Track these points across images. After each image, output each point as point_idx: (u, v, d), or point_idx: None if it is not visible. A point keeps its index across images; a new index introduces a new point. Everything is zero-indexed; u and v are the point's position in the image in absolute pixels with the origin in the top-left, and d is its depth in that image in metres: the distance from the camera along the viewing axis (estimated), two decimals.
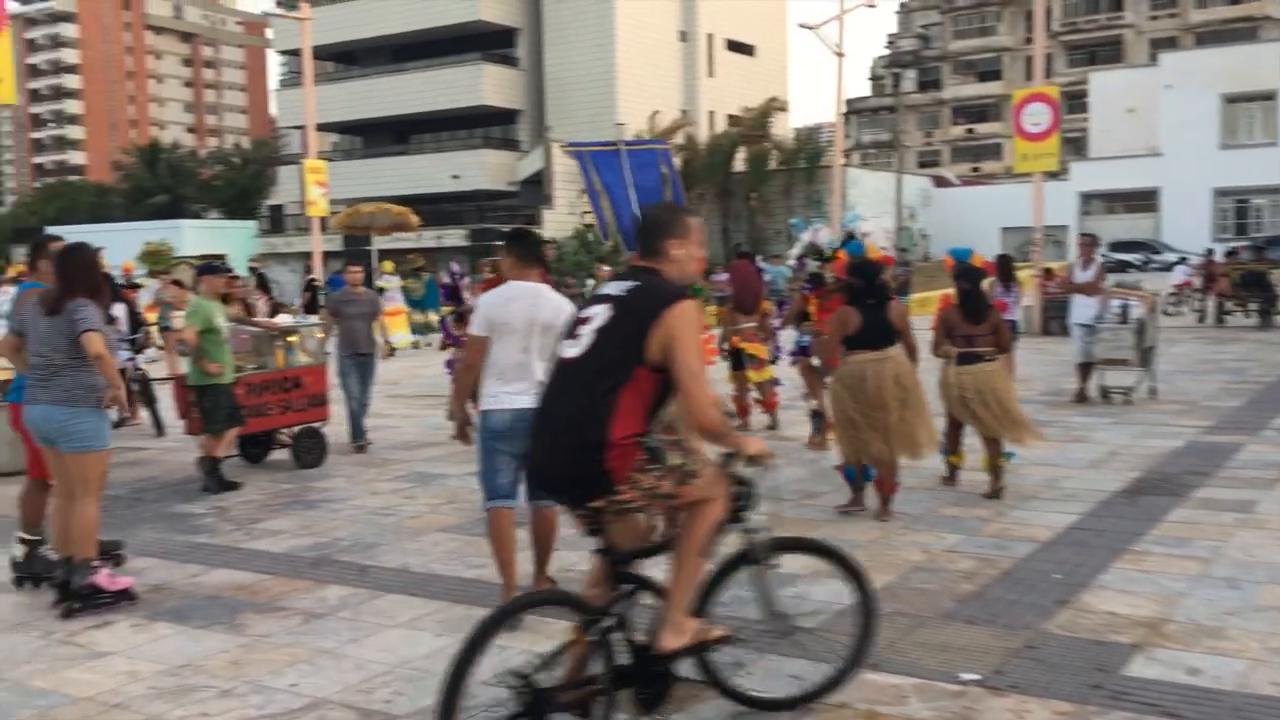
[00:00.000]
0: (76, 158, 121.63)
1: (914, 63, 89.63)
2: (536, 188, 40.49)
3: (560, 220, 37.06)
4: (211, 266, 9.24)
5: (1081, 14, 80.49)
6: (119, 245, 27.73)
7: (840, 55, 32.36)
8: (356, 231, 30.89)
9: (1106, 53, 79.43)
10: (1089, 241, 12.88)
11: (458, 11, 44.25)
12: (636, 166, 23.26)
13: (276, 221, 47.40)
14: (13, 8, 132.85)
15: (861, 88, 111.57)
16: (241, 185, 53.44)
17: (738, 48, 49.85)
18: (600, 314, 3.63)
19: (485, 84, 44.18)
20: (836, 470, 7.84)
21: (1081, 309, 12.32)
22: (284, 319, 10.49)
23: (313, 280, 26.53)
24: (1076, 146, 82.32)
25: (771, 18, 51.79)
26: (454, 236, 35.24)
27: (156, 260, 24.95)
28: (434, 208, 42.99)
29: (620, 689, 3.71)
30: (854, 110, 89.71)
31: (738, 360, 11.04)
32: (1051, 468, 8.73)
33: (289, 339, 10.02)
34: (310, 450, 9.80)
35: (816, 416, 9.78)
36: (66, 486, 5.84)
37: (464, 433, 5.77)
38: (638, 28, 44.50)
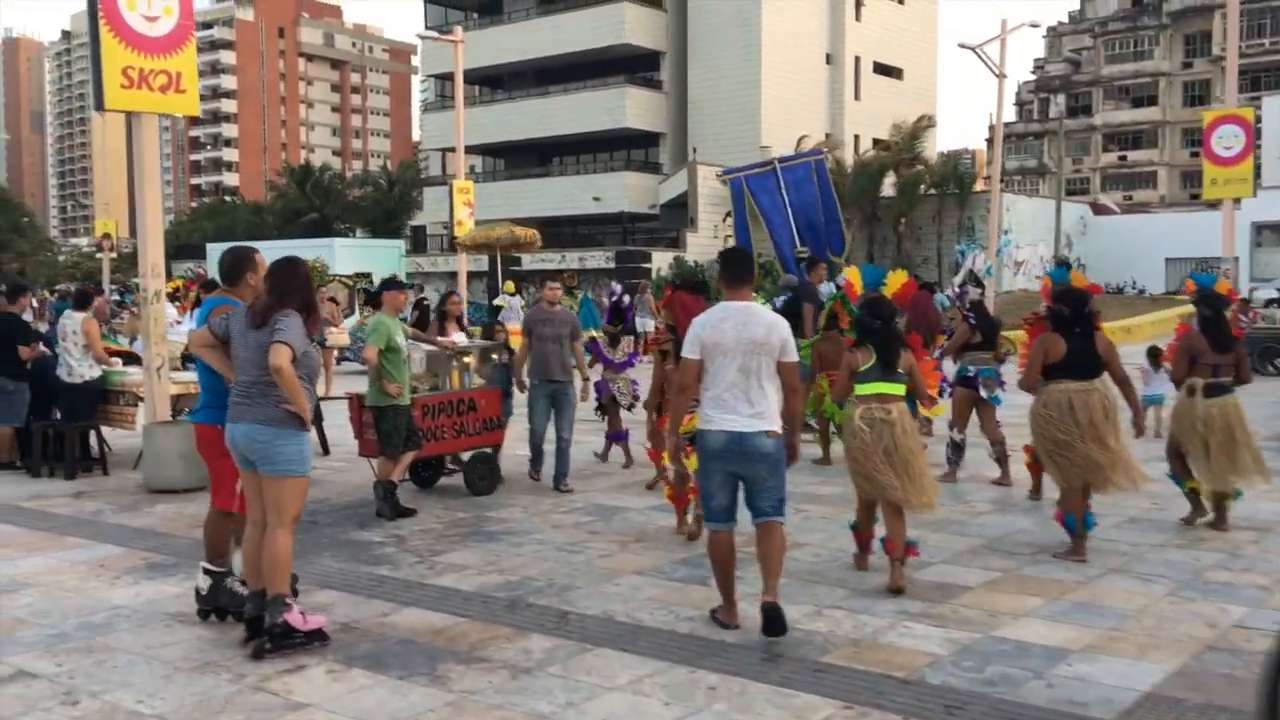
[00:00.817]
0: (230, 179, 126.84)
1: (1063, 87, 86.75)
2: (679, 211, 40.07)
3: (703, 244, 36.53)
4: (394, 281, 8.88)
5: (1248, 38, 76.61)
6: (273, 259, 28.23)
7: (1002, 77, 31.17)
8: (480, 251, 30.96)
9: (1273, 78, 75.42)
10: None
11: (603, 35, 44.32)
12: (792, 184, 22.32)
13: (419, 242, 48.15)
14: None
15: (1006, 113, 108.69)
16: (387, 206, 54.54)
17: (885, 70, 48.71)
18: None
19: (629, 106, 44.08)
20: (1055, 520, 7.23)
21: None
22: (458, 338, 10.06)
23: (423, 299, 26.54)
24: None
25: (920, 40, 50.50)
26: (597, 258, 35.02)
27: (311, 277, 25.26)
28: (574, 229, 43.05)
29: None
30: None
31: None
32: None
33: (465, 359, 9.60)
34: (484, 477, 9.35)
35: (956, 449, 9.66)
36: (261, 513, 5.42)
37: (677, 456, 5.87)
38: (783, 50, 43.81)
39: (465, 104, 51.33)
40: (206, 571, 5.87)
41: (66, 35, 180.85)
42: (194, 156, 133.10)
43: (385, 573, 6.84)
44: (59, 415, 11.01)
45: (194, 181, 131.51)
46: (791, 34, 44.04)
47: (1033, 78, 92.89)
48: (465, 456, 9.49)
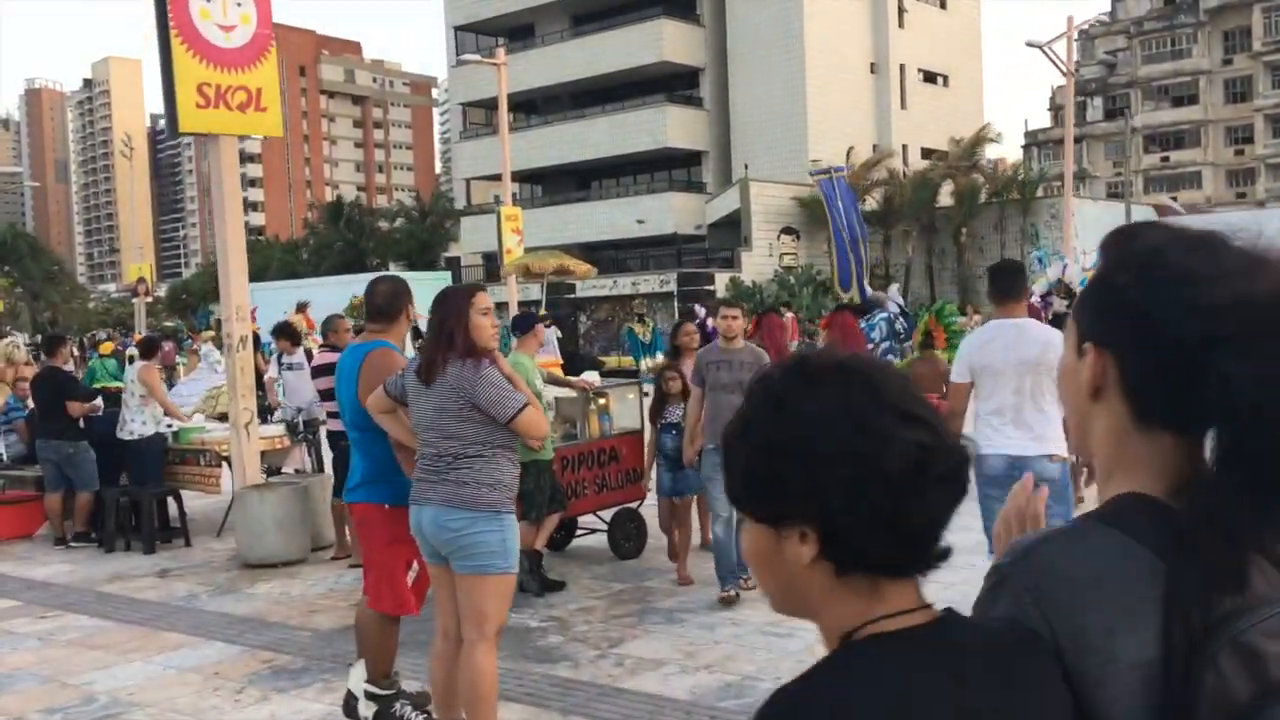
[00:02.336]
0: (256, 219, 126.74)
1: (1100, 90, 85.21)
2: (728, 230, 38.83)
3: (759, 264, 35.28)
4: (532, 315, 7.64)
5: None
6: (320, 299, 27.19)
7: (1070, 75, 29.91)
8: (531, 279, 29.87)
9: None
10: None
11: (641, 54, 43.25)
12: (844, 195, 21.05)
13: (455, 274, 47.13)
14: None
15: (1041, 118, 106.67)
16: (421, 238, 53.63)
17: (931, 78, 47.41)
18: None
19: (670, 125, 42.92)
20: None
21: None
22: (591, 376, 8.81)
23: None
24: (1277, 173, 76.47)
25: (965, 45, 49.20)
26: (651, 282, 33.76)
27: (362, 313, 24.15)
28: (615, 254, 41.88)
29: None
30: (1034, 143, 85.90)
31: None
32: None
33: (601, 402, 8.32)
34: (630, 537, 8.07)
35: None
36: (454, 623, 4.16)
37: None
38: (827, 61, 42.62)
39: (498, 131, 50.45)
40: (371, 695, 4.60)
41: (88, 83, 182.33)
42: None
43: (566, 674, 5.56)
44: (127, 478, 9.84)
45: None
46: (835, 44, 42.85)
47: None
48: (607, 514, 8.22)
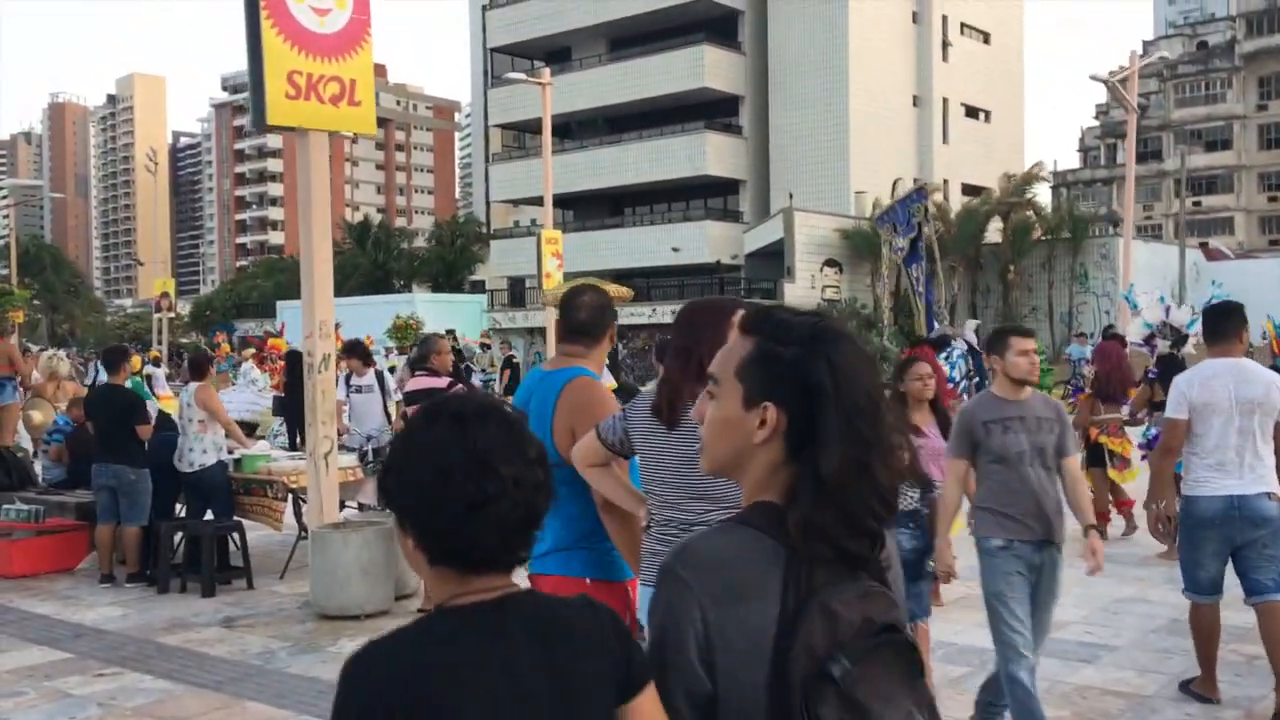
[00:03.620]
0: (276, 238, 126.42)
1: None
2: (767, 260, 37.90)
3: (801, 294, 34.27)
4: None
5: None
6: (352, 319, 26.30)
7: (1134, 112, 29.07)
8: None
9: None
10: None
11: (682, 80, 42.51)
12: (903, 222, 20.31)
13: (490, 297, 46.26)
14: (222, 96, 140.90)
15: (1070, 159, 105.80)
16: (449, 260, 52.89)
17: (973, 112, 46.58)
18: None
19: (709, 153, 42.10)
20: None
21: None
22: None
23: (512, 357, 24.41)
24: None
25: (1007, 81, 48.42)
26: None
27: (405, 335, 23.27)
28: (648, 281, 40.97)
29: None
30: (1063, 183, 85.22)
31: (1096, 455, 9.62)
32: None
33: None
34: None
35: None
36: None
37: (1158, 528, 5.34)
38: (870, 92, 41.82)
39: (532, 154, 49.76)
40: None
41: (111, 99, 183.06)
42: (239, 216, 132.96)
43: None
44: (185, 511, 8.87)
45: (239, 240, 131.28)
46: (878, 75, 42.07)
47: (1095, 123, 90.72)
48: None
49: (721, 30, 43.90)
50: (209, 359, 9.41)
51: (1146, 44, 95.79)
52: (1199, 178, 79.28)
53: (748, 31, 43.99)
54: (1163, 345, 12.20)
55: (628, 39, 45.45)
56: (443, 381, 7.25)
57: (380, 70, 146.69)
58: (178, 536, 8.54)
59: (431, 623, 1.48)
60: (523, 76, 29.84)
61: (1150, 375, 9.79)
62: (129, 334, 66.84)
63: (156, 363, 21.19)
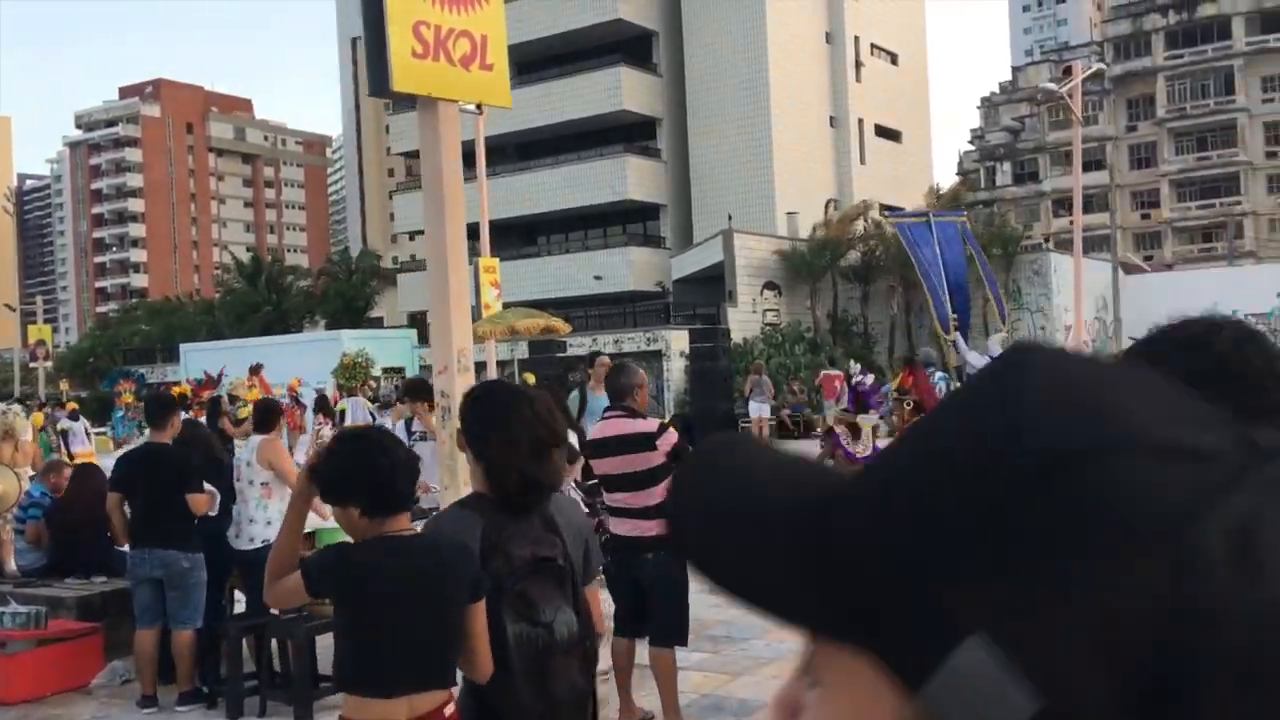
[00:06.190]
0: (139, 280, 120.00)
1: (1009, 155, 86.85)
2: (699, 286, 36.61)
3: (744, 319, 33.06)
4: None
5: (1190, 99, 77.56)
6: (276, 360, 23.87)
7: (1079, 124, 28.90)
8: (501, 338, 27.21)
9: (1218, 138, 76.23)
10: None
11: (598, 103, 41.10)
12: (944, 240, 19.48)
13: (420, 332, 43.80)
14: (76, 134, 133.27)
15: (947, 180, 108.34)
16: (348, 296, 50.13)
17: (885, 133, 46.45)
18: None
19: (630, 177, 40.72)
20: None
21: None
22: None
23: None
24: (1190, 236, 78.60)
25: (916, 102, 48.55)
26: (637, 339, 31.08)
27: (354, 374, 21.07)
28: (567, 311, 39.25)
29: None
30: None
31: None
32: None
33: None
34: None
35: None
36: None
37: None
38: (790, 113, 41.14)
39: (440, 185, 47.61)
40: None
41: None
42: (99, 259, 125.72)
43: None
44: (245, 603, 6.88)
45: (99, 284, 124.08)
46: (797, 96, 41.45)
47: (971, 147, 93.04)
48: None
49: (635, 52, 42.72)
50: (277, 407, 7.38)
51: (1015, 69, 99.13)
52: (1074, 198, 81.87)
53: (663, 53, 42.92)
54: None
55: (538, 62, 43.83)
56: (650, 424, 5.51)
57: (246, 105, 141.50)
58: (245, 638, 6.53)
59: (350, 546, 2.84)
60: (469, 108, 27.90)
61: None
62: None
63: (75, 415, 18.52)
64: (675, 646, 5.52)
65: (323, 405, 17.05)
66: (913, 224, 20.20)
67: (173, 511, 6.33)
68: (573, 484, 7.53)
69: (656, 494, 5.45)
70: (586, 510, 7.95)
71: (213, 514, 6.62)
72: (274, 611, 6.09)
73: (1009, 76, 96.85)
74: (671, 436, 5.49)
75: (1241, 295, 36.85)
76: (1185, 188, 78.06)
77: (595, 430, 5.68)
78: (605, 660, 5.99)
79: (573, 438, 7.58)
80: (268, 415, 6.98)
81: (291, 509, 3.01)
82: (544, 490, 2.81)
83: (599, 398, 8.97)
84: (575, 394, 23.50)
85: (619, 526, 5.60)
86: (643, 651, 5.62)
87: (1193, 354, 1.27)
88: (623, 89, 41.00)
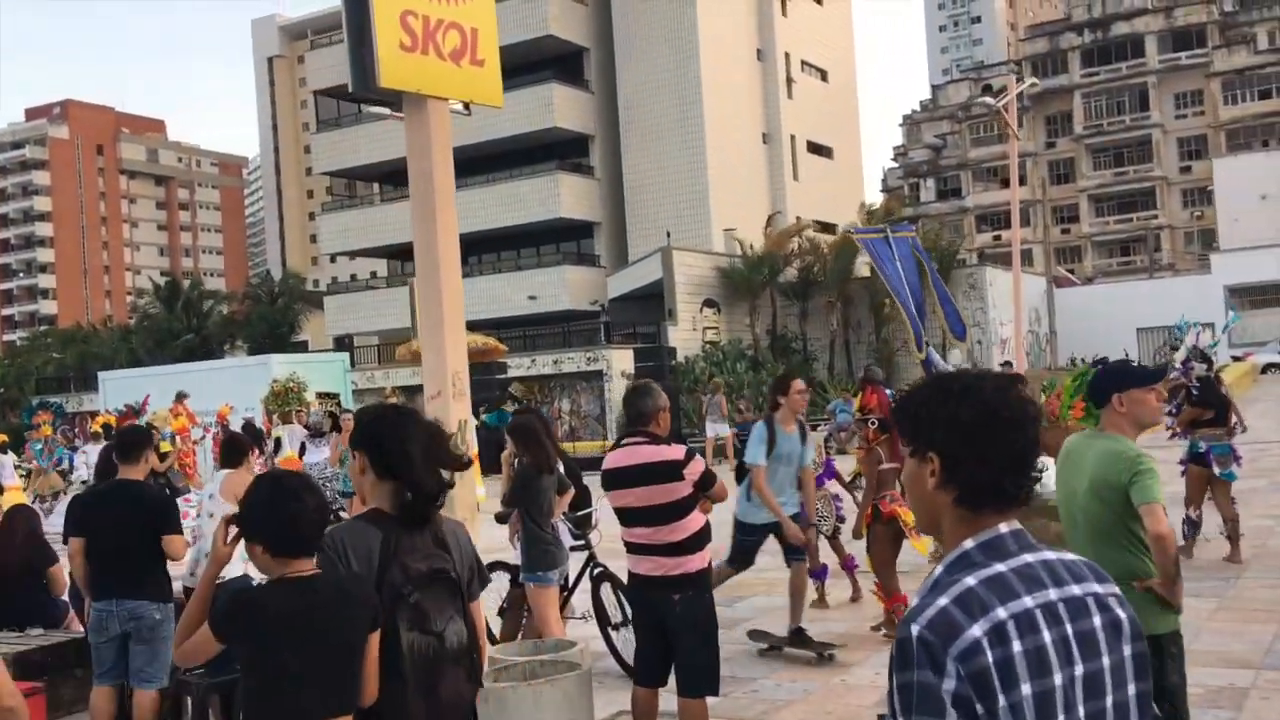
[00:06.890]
0: (48, 307, 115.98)
1: (931, 171, 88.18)
2: (636, 304, 36.19)
3: (685, 337, 32.68)
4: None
5: (1106, 116, 79.55)
6: (201, 387, 22.81)
7: (1016, 138, 29.11)
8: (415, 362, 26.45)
9: (1134, 153, 78.15)
10: None
11: (531, 120, 40.43)
12: (903, 256, 19.25)
13: (352, 356, 42.44)
14: None
15: (874, 197, 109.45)
16: (272, 320, 48.75)
17: (816, 149, 46.58)
18: None
19: (563, 195, 40.16)
20: None
21: None
22: None
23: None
24: (1109, 249, 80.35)
25: (846, 119, 48.80)
26: (577, 359, 30.45)
27: (287, 400, 20.13)
28: (499, 332, 38.56)
29: None
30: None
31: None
32: None
33: None
34: None
35: (1193, 526, 9.72)
36: None
37: None
38: (725, 130, 40.96)
39: (364, 203, 46.59)
40: None
41: None
42: (4, 285, 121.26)
43: None
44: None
45: (6, 312, 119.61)
46: (731, 113, 41.34)
47: (895, 164, 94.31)
48: None
49: (567, 68, 42.27)
50: (245, 441, 6.70)
51: (935, 88, 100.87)
52: (997, 213, 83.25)
53: (594, 69, 42.53)
54: (1199, 368, 12.47)
55: None
56: (678, 451, 5.00)
57: (158, 126, 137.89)
58: (210, 698, 5.85)
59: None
60: (386, 111, 27.14)
61: (1192, 392, 10.10)
62: None
63: (2, 449, 17.39)
64: (706, 696, 5.01)
65: (251, 434, 16.15)
66: (874, 239, 19.83)
67: (146, 558, 5.64)
68: (561, 516, 6.97)
69: (683, 528, 4.94)
70: (580, 544, 7.36)
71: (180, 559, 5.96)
72: None
73: (929, 95, 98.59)
74: (699, 464, 4.99)
75: (1167, 308, 37.65)
76: (1103, 202, 79.85)
77: (611, 459, 5.10)
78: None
79: (561, 466, 7.02)
80: (234, 450, 6.31)
81: (204, 581, 3.09)
82: (437, 503, 3.06)
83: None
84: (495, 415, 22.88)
85: (640, 565, 5.06)
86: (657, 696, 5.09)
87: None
88: (555, 106, 40.49)
